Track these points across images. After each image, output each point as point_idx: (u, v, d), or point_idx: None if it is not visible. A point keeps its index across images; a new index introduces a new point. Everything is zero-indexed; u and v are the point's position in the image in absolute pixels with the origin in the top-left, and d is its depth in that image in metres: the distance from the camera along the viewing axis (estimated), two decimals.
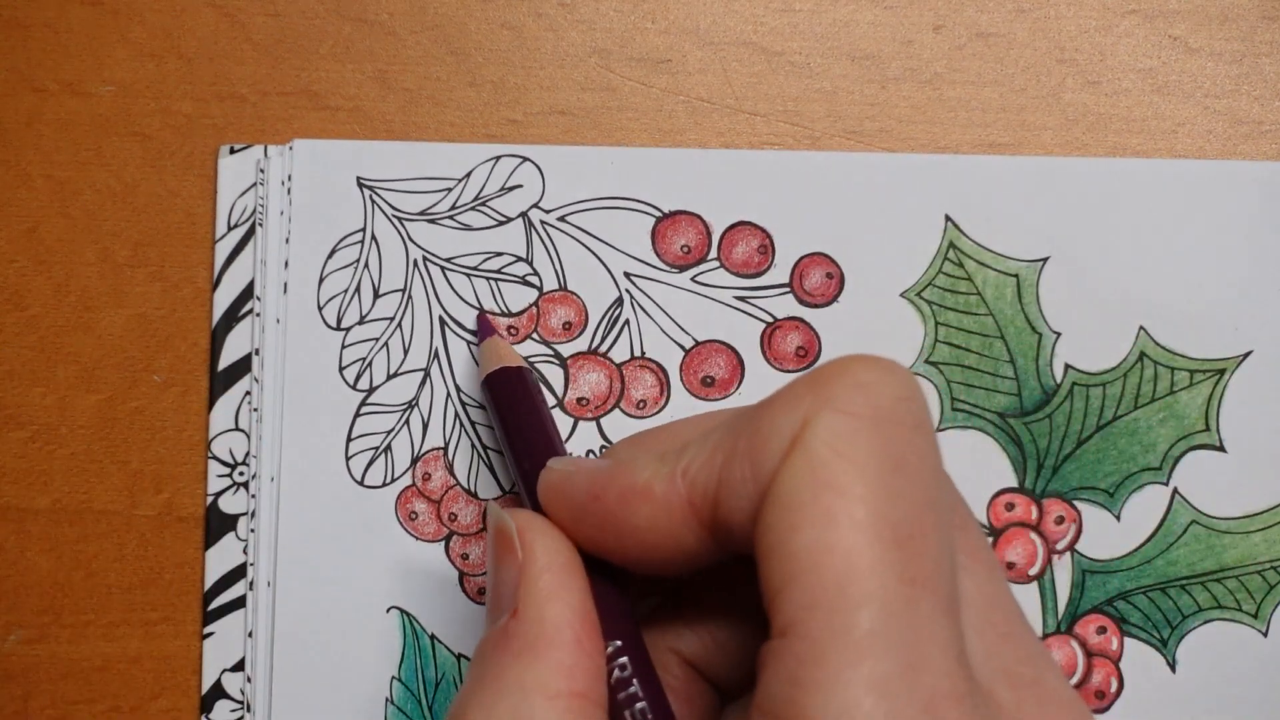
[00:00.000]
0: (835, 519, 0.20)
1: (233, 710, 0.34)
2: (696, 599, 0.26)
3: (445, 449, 0.35)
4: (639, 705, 0.24)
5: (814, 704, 0.20)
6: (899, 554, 0.20)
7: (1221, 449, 0.35)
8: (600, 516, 0.24)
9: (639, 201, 0.35)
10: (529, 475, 0.27)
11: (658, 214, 0.35)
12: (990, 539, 0.35)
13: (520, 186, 0.35)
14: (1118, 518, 0.35)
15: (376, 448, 0.35)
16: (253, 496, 0.35)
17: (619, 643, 0.24)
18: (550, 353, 0.35)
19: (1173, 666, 0.34)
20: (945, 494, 0.22)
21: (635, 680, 0.24)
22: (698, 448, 0.23)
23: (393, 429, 0.35)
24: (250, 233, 0.35)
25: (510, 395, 0.31)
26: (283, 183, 0.35)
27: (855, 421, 0.21)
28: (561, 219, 0.35)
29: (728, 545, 0.23)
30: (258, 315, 0.35)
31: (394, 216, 0.35)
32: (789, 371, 0.35)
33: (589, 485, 0.24)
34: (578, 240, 0.35)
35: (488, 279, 0.35)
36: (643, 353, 0.35)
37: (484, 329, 0.34)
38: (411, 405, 0.35)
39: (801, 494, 0.21)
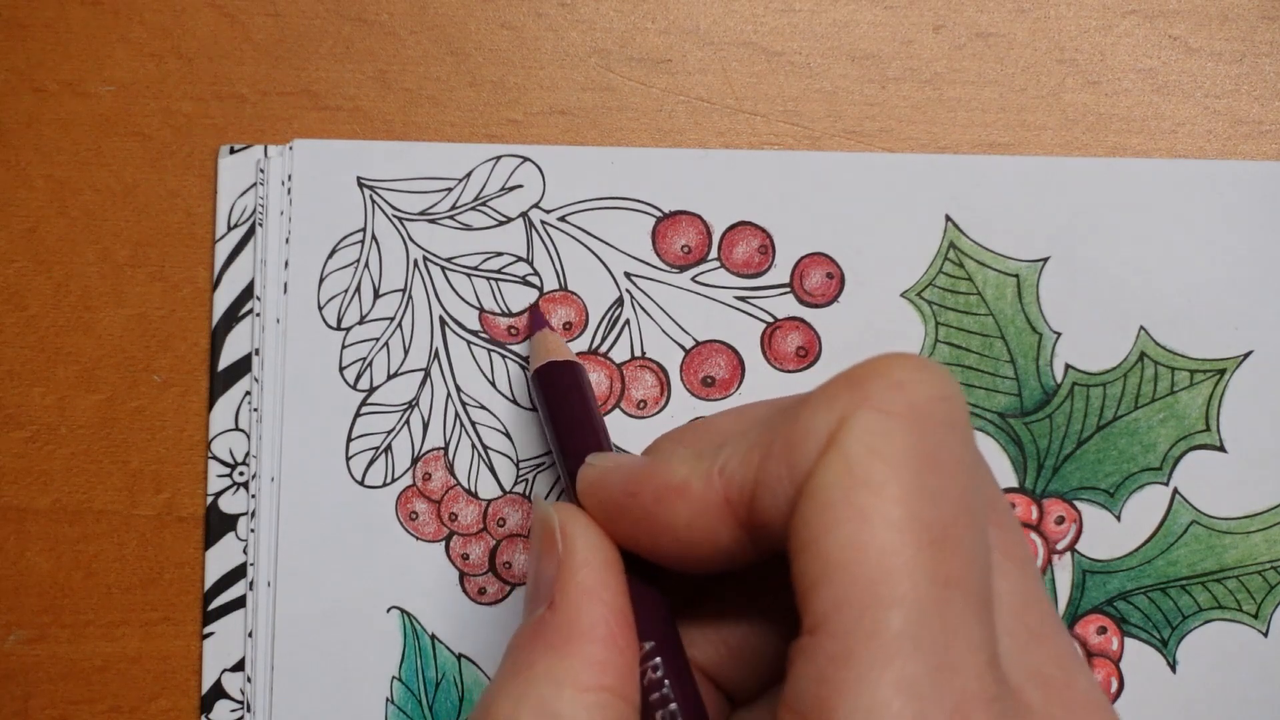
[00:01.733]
0: (869, 518, 0.20)
1: (233, 710, 0.34)
2: (708, 604, 0.26)
3: (445, 449, 0.35)
4: (671, 707, 0.23)
5: (842, 703, 0.20)
6: (932, 554, 0.20)
7: (1222, 449, 0.35)
8: (637, 513, 0.24)
9: (639, 201, 0.35)
10: (573, 471, 0.27)
11: (658, 214, 0.35)
12: None
13: (520, 186, 0.35)
14: (1118, 518, 0.35)
15: (377, 448, 0.35)
16: (253, 496, 0.35)
17: (652, 643, 0.24)
18: None
19: (1173, 667, 0.34)
20: (981, 492, 0.22)
21: (668, 682, 0.24)
22: (735, 445, 0.23)
23: (393, 429, 0.35)
24: (250, 233, 0.35)
25: (558, 390, 0.31)
26: (283, 183, 0.35)
27: (892, 420, 0.21)
28: (562, 219, 0.35)
29: (764, 543, 0.23)
30: (258, 315, 0.35)
31: (394, 216, 0.35)
32: (789, 372, 0.35)
33: (626, 482, 0.24)
34: (578, 240, 0.35)
35: (488, 279, 0.35)
36: (643, 353, 0.35)
37: (536, 321, 0.34)
38: (412, 405, 0.35)
39: (836, 492, 0.21)
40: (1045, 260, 0.35)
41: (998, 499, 0.24)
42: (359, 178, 0.35)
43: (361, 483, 0.34)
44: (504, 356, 0.35)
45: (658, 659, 0.24)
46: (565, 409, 0.31)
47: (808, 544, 0.21)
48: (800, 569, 0.21)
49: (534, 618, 0.24)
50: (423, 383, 0.35)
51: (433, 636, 0.34)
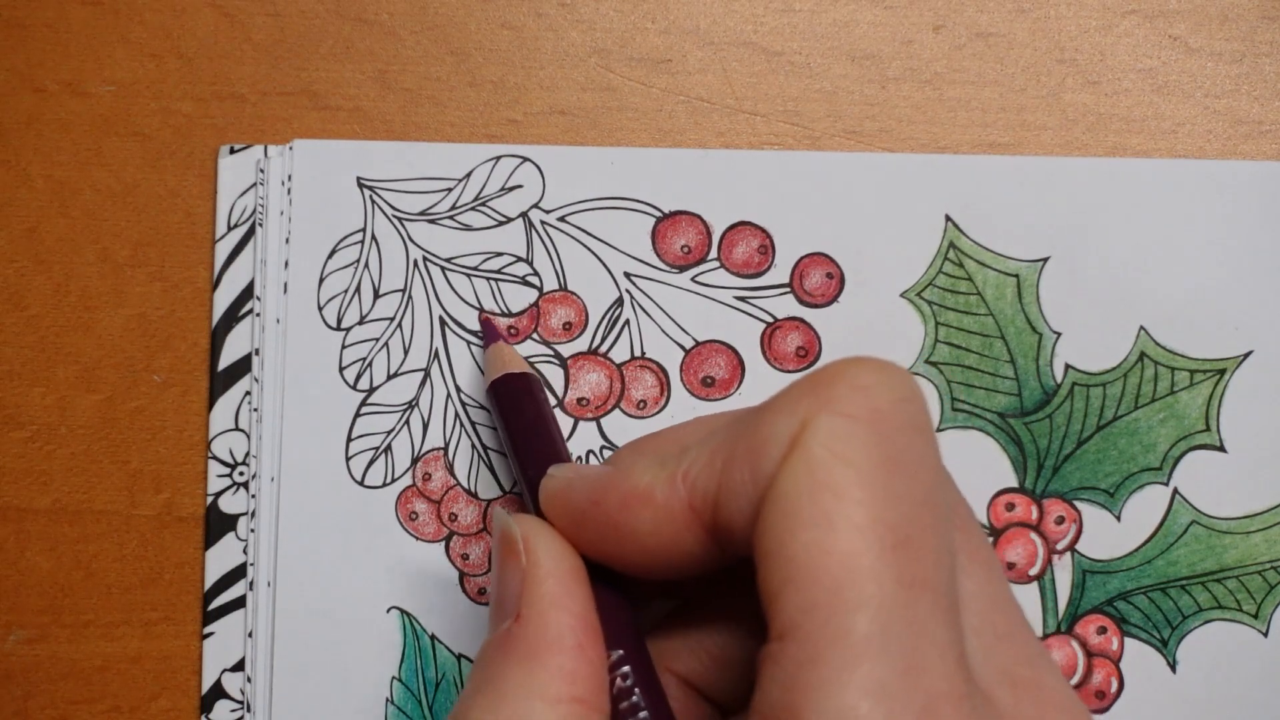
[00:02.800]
0: (833, 522, 0.20)
1: (233, 710, 0.34)
2: (687, 615, 0.26)
3: (445, 449, 0.35)
4: (641, 714, 0.23)
5: (811, 707, 0.20)
6: (897, 556, 0.20)
7: (1222, 449, 0.35)
8: (601, 522, 0.24)
9: (639, 201, 0.35)
10: (533, 482, 0.27)
11: (658, 214, 0.35)
12: (991, 539, 0.35)
13: (520, 187, 0.35)
14: (1118, 518, 0.35)
15: (377, 448, 0.35)
16: (253, 496, 0.35)
17: (621, 652, 0.24)
18: (550, 353, 0.35)
19: (1173, 667, 0.34)
20: (945, 495, 0.22)
21: (637, 690, 0.24)
22: (698, 451, 0.23)
23: (393, 429, 0.35)
24: (250, 233, 0.35)
25: (515, 402, 0.31)
26: (283, 183, 0.35)
27: (854, 424, 0.21)
28: (562, 219, 0.35)
29: (729, 549, 0.23)
30: (258, 315, 0.35)
31: (394, 216, 0.35)
32: (789, 372, 0.35)
33: (590, 491, 0.24)
34: (578, 240, 0.35)
35: (488, 279, 0.35)
36: (643, 353, 0.35)
37: (489, 334, 0.34)
38: (412, 405, 0.35)
39: (800, 497, 0.21)
40: (1045, 260, 0.35)
41: (959, 502, 0.24)
42: (359, 178, 0.35)
43: (361, 483, 0.34)
44: None
45: (626, 667, 0.24)
46: (522, 421, 0.31)
47: (772, 549, 0.21)
48: (765, 574, 0.21)
49: (500, 630, 0.24)
50: (422, 383, 0.35)
51: (433, 637, 0.34)
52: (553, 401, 0.35)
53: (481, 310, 0.35)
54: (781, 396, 0.22)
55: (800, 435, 0.21)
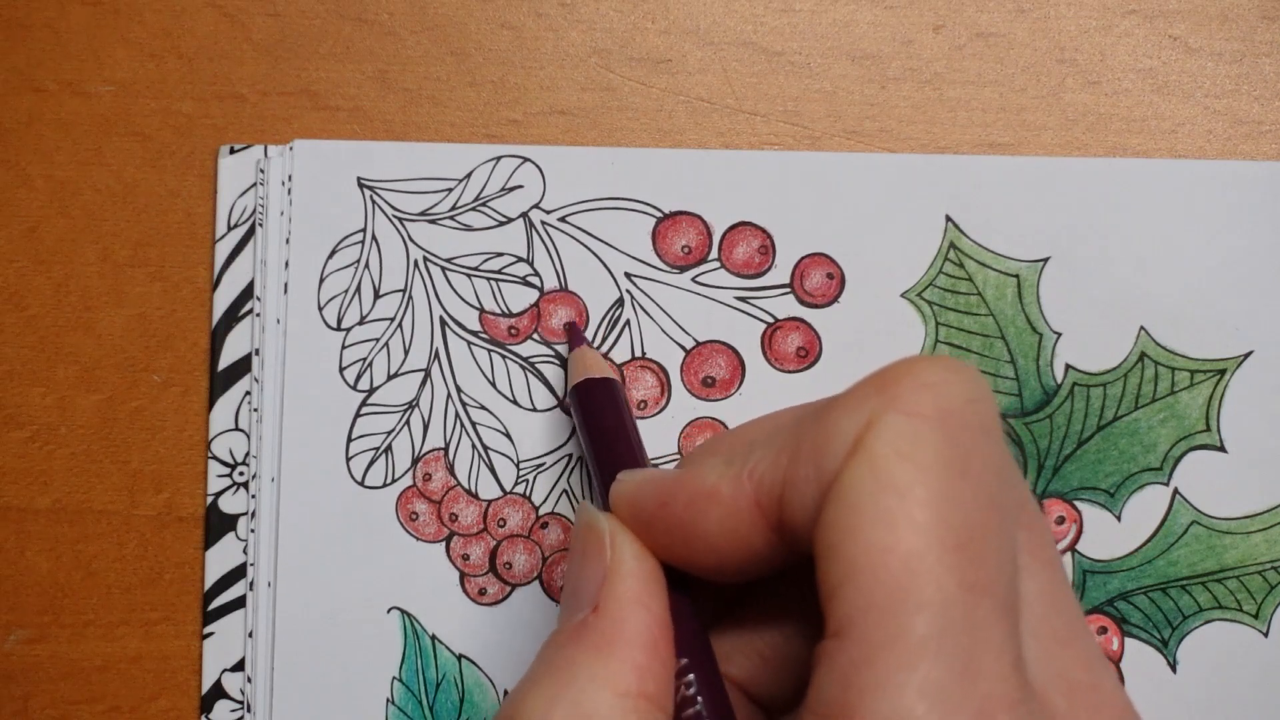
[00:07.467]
0: (895, 521, 0.20)
1: (233, 710, 0.34)
2: (739, 616, 0.26)
3: (446, 449, 0.35)
4: None
5: (866, 707, 0.20)
6: (958, 558, 0.20)
7: (1222, 449, 0.35)
8: (670, 523, 0.24)
9: (639, 202, 0.35)
10: (608, 487, 0.27)
11: (658, 214, 0.35)
12: None
13: (521, 187, 0.35)
14: (1118, 518, 0.35)
15: (377, 448, 0.35)
16: (253, 496, 0.34)
17: (686, 660, 0.24)
18: (551, 353, 0.35)
19: (1173, 667, 0.34)
20: (1010, 495, 0.22)
21: (700, 699, 0.24)
22: (764, 449, 0.23)
23: (393, 429, 0.35)
24: (250, 233, 0.35)
25: (595, 407, 0.31)
26: (283, 183, 0.35)
27: (920, 423, 0.21)
28: (562, 219, 0.35)
29: (795, 546, 0.23)
30: (258, 315, 0.35)
31: (394, 217, 0.35)
32: (789, 372, 0.35)
33: (658, 493, 0.24)
34: (578, 241, 0.35)
35: (488, 279, 0.35)
36: (643, 353, 0.35)
37: (574, 338, 0.34)
38: (412, 406, 0.35)
39: (862, 495, 0.21)
40: (1045, 260, 0.35)
41: (1027, 500, 0.24)
42: (359, 178, 0.35)
43: (361, 483, 0.34)
44: (504, 357, 0.35)
45: (691, 675, 0.24)
46: (601, 426, 0.31)
47: (833, 547, 0.21)
48: (825, 572, 0.21)
49: (575, 620, 0.24)
50: (423, 383, 0.35)
51: (433, 637, 0.34)
52: (553, 402, 0.35)
53: (573, 321, 0.35)
54: (848, 393, 0.22)
55: (865, 434, 0.21)
